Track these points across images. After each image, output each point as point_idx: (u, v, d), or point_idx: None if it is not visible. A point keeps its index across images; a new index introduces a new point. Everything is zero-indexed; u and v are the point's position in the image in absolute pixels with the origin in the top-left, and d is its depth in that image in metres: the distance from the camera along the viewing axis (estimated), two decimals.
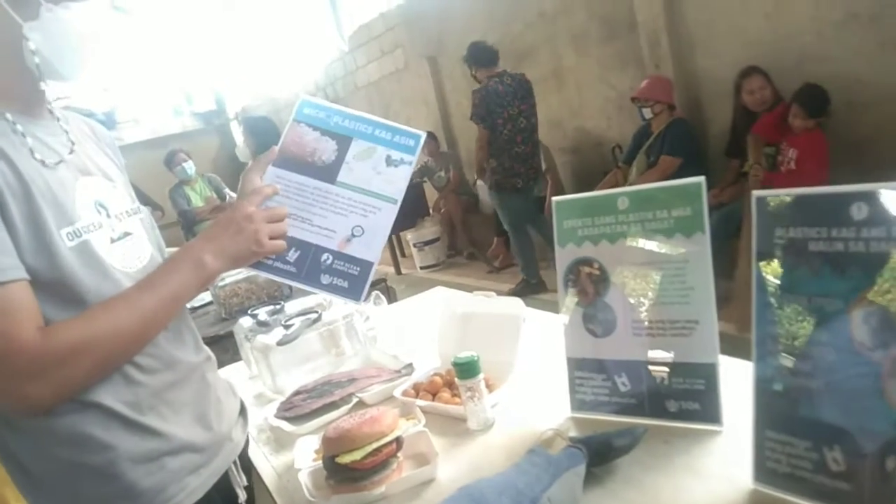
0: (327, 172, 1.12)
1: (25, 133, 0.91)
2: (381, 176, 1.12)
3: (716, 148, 4.14)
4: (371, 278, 1.10)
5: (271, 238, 1.04)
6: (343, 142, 1.13)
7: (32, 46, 0.89)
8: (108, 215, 1.00)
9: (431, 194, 7.19)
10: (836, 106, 3.63)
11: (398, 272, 6.98)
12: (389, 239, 6.88)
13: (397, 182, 1.13)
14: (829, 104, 3.50)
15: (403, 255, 7.36)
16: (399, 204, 1.12)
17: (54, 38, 0.90)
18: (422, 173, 7.03)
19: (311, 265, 1.08)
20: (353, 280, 1.09)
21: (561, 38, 5.53)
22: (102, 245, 0.96)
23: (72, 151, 0.98)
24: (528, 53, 5.78)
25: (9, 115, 0.90)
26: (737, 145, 4.00)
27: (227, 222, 1.01)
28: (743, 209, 3.51)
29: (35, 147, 0.91)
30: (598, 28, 5.15)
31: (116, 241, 0.99)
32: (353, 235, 1.10)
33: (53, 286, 0.88)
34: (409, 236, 6.94)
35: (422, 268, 6.86)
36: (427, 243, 6.81)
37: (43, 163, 0.92)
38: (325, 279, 1.08)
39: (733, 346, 1.11)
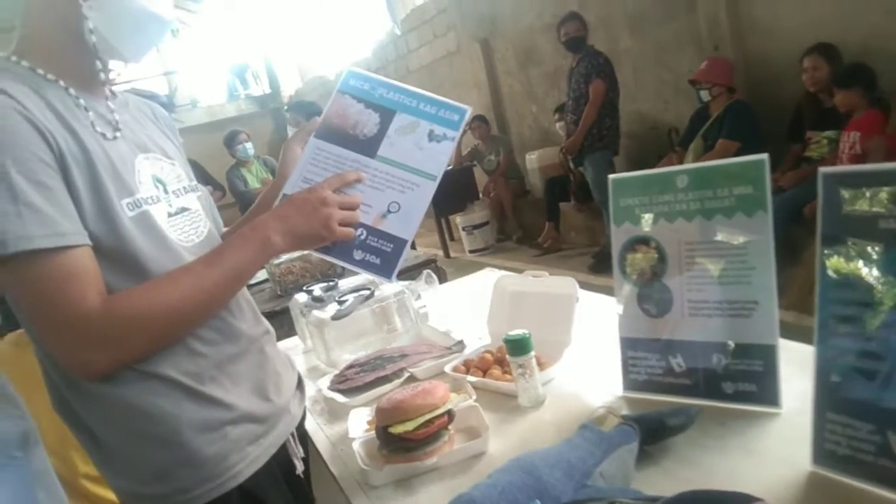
0: (368, 146, 1.10)
1: (88, 107, 0.95)
2: (422, 151, 1.10)
3: (777, 132, 4.01)
4: (404, 257, 1.07)
5: (342, 225, 1.03)
6: (386, 115, 1.12)
7: (91, 25, 0.92)
8: (166, 191, 1.02)
9: (481, 178, 7.18)
10: None
11: (447, 255, 7.00)
12: (438, 222, 6.95)
13: (438, 158, 1.10)
14: (873, 79, 3.39)
15: (452, 238, 7.37)
16: (438, 181, 1.10)
17: (112, 17, 0.93)
18: (472, 157, 7.02)
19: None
20: (386, 257, 1.07)
21: (617, 19, 5.43)
22: (161, 218, 0.98)
23: (128, 128, 1.01)
24: None
25: (72, 91, 0.94)
26: (799, 129, 3.88)
27: (301, 202, 1.02)
28: (805, 194, 3.40)
29: (96, 121, 0.95)
30: (655, 8, 5.03)
31: (174, 215, 1.02)
32: (390, 211, 1.08)
33: (114, 254, 0.90)
34: (458, 220, 6.94)
35: (471, 251, 6.86)
36: (476, 227, 6.80)
37: (104, 136, 0.95)
38: (358, 255, 1.07)
39: (790, 333, 1.09)
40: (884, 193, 0.78)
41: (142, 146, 1.02)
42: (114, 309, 0.87)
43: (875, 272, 0.80)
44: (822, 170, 0.85)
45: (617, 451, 0.89)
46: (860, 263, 0.81)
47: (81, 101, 0.94)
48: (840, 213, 0.82)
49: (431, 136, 1.11)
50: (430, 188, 1.10)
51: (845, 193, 0.82)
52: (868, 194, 0.80)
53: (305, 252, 2.59)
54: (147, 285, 0.91)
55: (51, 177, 0.84)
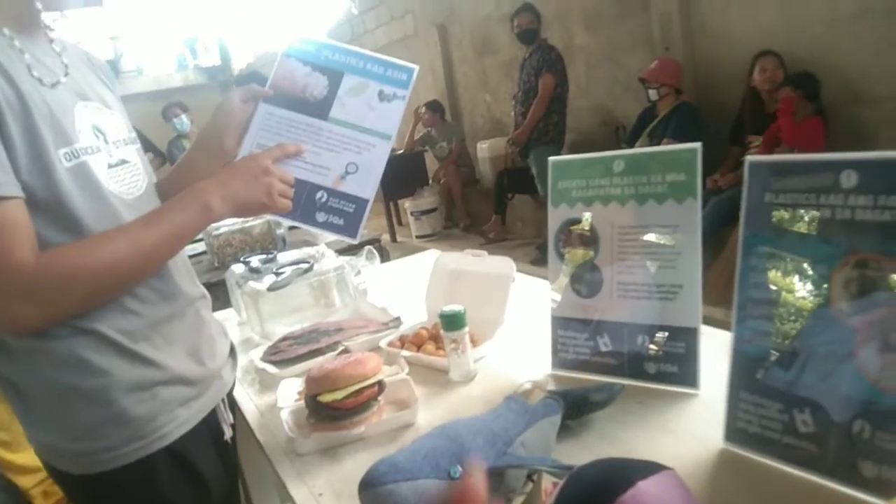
0: (319, 108, 1.12)
1: (23, 49, 0.90)
2: (374, 112, 1.12)
3: (720, 134, 4.13)
4: (367, 216, 1.11)
5: (281, 196, 1.05)
6: (334, 77, 1.13)
7: None
8: (106, 141, 0.99)
9: (432, 164, 7.17)
10: (842, 99, 3.64)
11: (393, 240, 6.98)
12: (386, 206, 6.92)
13: (391, 118, 1.13)
14: (818, 90, 3.58)
15: (400, 223, 7.36)
16: (393, 140, 1.13)
17: None
18: (423, 142, 7.01)
19: (306, 203, 1.09)
20: (349, 217, 1.10)
21: (573, 14, 5.48)
22: (100, 169, 0.95)
23: (67, 74, 0.97)
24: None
25: (6, 30, 0.89)
26: (740, 132, 4.01)
27: (243, 170, 1.02)
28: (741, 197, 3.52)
29: (33, 64, 0.90)
30: (611, 6, 5.10)
31: (114, 166, 0.99)
32: (348, 172, 1.10)
33: (49, 207, 0.87)
34: (406, 204, 6.93)
35: (418, 237, 6.86)
36: (424, 213, 6.80)
37: (41, 81, 0.91)
38: (321, 217, 1.10)
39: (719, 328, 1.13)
40: (804, 185, 0.82)
41: (81, 94, 0.98)
42: (46, 265, 0.84)
43: (788, 256, 0.83)
44: (749, 158, 0.88)
45: (539, 422, 0.91)
46: (776, 248, 0.85)
47: (16, 43, 0.89)
48: (762, 199, 0.86)
49: (382, 97, 1.13)
50: (386, 148, 1.13)
51: (771, 183, 0.85)
52: (790, 185, 0.83)
53: (246, 224, 2.59)
54: (82, 243, 0.88)
55: None
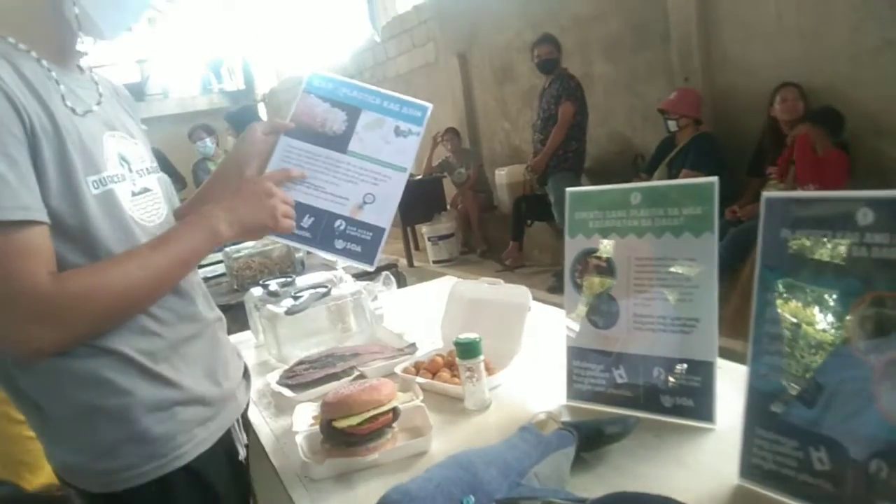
0: (338, 142, 1.17)
1: (59, 81, 0.94)
2: (390, 146, 1.17)
3: (739, 165, 4.12)
4: (383, 244, 1.14)
5: (283, 217, 1.08)
6: (352, 112, 1.19)
7: None
8: (130, 170, 1.02)
9: (450, 190, 7.21)
10: (865, 132, 3.62)
11: (410, 264, 7.00)
12: (403, 231, 6.96)
13: (406, 152, 1.18)
14: (841, 125, 3.53)
15: (417, 248, 7.38)
16: (408, 173, 1.17)
17: None
18: (441, 168, 7.05)
19: (324, 231, 1.13)
20: (366, 245, 1.14)
21: (593, 44, 5.52)
22: (124, 197, 0.98)
23: (99, 104, 1.01)
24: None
25: (44, 62, 0.93)
26: (760, 163, 3.99)
27: (248, 194, 1.06)
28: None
29: (67, 95, 0.94)
30: (631, 36, 5.14)
31: (137, 194, 1.02)
32: (365, 202, 1.15)
33: (75, 232, 0.90)
34: (424, 230, 6.95)
35: (434, 262, 6.87)
36: (441, 238, 6.82)
37: (73, 110, 0.94)
38: (339, 244, 1.14)
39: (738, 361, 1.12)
40: (820, 222, 0.82)
41: (109, 123, 1.02)
42: (61, 288, 0.86)
43: (805, 293, 0.83)
44: (765, 195, 0.88)
45: (553, 454, 0.91)
46: (792, 285, 0.85)
47: (53, 74, 0.93)
48: (779, 236, 0.86)
49: (398, 132, 1.18)
50: (402, 179, 1.17)
51: (787, 220, 0.86)
52: (806, 222, 0.84)
53: (265, 248, 2.62)
54: (95, 267, 0.91)
55: (19, 151, 0.84)
